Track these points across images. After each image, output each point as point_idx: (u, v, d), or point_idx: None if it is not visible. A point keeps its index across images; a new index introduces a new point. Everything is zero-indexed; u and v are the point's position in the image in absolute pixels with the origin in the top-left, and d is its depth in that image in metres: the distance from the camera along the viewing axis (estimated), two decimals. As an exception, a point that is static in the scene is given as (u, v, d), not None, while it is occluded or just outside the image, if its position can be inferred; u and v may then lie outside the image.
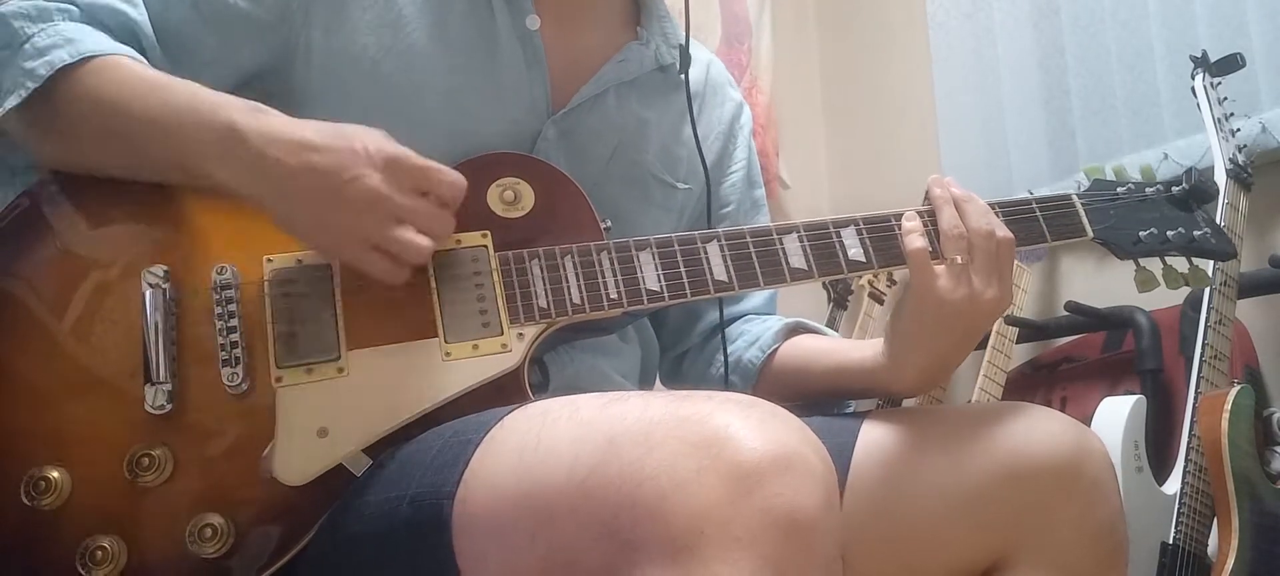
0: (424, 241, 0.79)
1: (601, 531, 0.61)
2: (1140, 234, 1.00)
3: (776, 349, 1.07)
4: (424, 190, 0.81)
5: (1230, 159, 1.52)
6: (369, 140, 0.79)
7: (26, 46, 0.82)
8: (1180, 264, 1.03)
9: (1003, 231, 0.91)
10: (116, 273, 0.81)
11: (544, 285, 0.86)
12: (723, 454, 0.60)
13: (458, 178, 0.82)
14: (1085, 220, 0.99)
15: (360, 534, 0.74)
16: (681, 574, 0.57)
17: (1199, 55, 1.61)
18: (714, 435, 0.61)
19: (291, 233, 0.81)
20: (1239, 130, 1.56)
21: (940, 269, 0.89)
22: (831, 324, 2.39)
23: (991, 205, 0.94)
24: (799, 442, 0.62)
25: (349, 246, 0.80)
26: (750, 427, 0.61)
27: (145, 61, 0.86)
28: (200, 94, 0.82)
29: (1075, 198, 1.00)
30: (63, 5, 0.86)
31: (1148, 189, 1.04)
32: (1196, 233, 1.01)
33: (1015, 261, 2.11)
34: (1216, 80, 1.58)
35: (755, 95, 2.63)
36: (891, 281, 2.28)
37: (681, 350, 1.15)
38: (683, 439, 0.61)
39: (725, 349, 1.07)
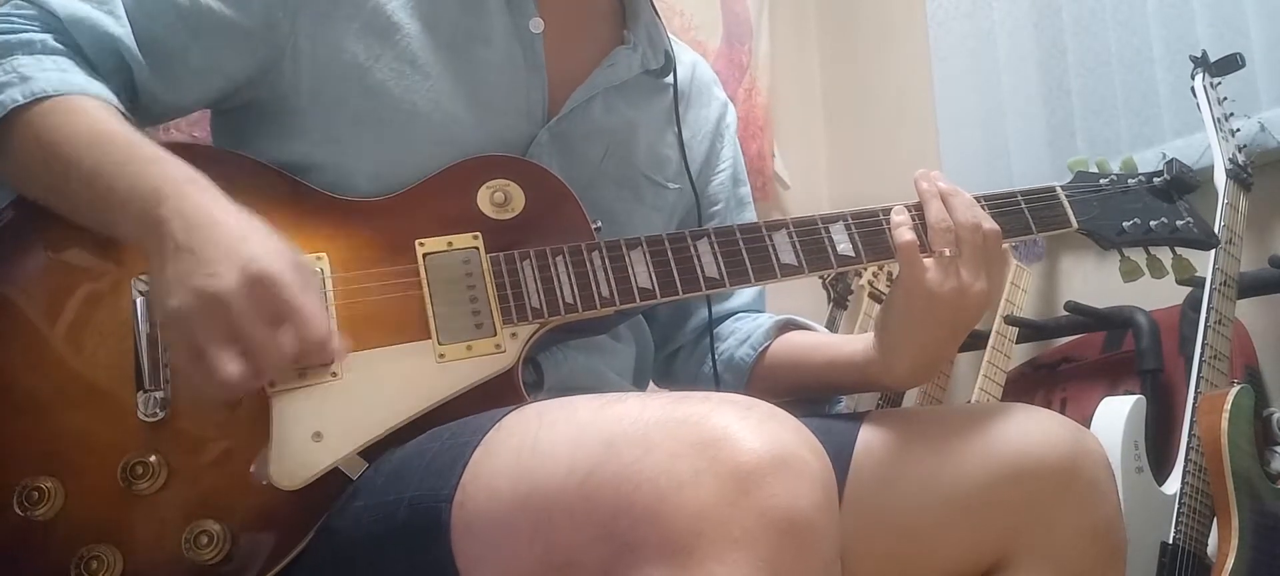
0: (231, 371, 0.70)
1: (600, 532, 0.62)
2: (1124, 224, 1.01)
3: (768, 346, 1.07)
4: (281, 321, 0.72)
5: (1230, 159, 1.51)
6: (259, 251, 0.72)
7: None
8: (1165, 254, 1.04)
9: (989, 223, 0.92)
10: (106, 281, 0.81)
11: (536, 285, 0.86)
12: (720, 455, 0.60)
13: (320, 326, 0.73)
14: (1069, 211, 1.00)
15: (358, 537, 0.74)
16: (679, 575, 0.57)
17: (1199, 55, 1.60)
18: (712, 436, 0.61)
19: (153, 297, 0.76)
20: (1239, 130, 1.56)
21: (929, 262, 0.90)
22: (831, 323, 2.39)
23: (977, 198, 0.95)
24: (797, 443, 0.62)
25: (174, 331, 0.73)
26: (748, 428, 0.61)
27: (114, 99, 0.83)
28: (139, 150, 0.77)
29: (1059, 189, 1.01)
30: (33, 35, 0.83)
31: (1130, 180, 1.05)
32: (1179, 222, 1.03)
33: (1015, 261, 2.10)
34: (1216, 80, 1.57)
35: (754, 97, 2.62)
36: (892, 279, 2.27)
37: (673, 348, 1.15)
38: (681, 440, 0.61)
39: (712, 349, 1.07)
